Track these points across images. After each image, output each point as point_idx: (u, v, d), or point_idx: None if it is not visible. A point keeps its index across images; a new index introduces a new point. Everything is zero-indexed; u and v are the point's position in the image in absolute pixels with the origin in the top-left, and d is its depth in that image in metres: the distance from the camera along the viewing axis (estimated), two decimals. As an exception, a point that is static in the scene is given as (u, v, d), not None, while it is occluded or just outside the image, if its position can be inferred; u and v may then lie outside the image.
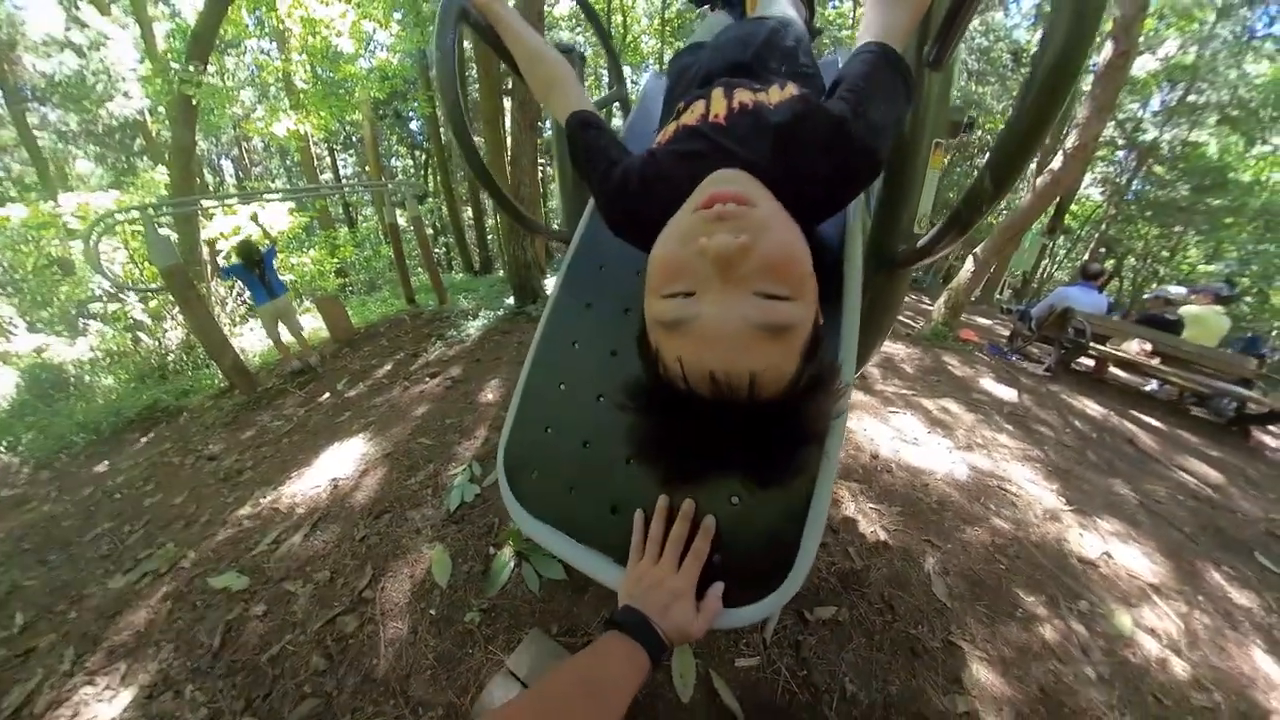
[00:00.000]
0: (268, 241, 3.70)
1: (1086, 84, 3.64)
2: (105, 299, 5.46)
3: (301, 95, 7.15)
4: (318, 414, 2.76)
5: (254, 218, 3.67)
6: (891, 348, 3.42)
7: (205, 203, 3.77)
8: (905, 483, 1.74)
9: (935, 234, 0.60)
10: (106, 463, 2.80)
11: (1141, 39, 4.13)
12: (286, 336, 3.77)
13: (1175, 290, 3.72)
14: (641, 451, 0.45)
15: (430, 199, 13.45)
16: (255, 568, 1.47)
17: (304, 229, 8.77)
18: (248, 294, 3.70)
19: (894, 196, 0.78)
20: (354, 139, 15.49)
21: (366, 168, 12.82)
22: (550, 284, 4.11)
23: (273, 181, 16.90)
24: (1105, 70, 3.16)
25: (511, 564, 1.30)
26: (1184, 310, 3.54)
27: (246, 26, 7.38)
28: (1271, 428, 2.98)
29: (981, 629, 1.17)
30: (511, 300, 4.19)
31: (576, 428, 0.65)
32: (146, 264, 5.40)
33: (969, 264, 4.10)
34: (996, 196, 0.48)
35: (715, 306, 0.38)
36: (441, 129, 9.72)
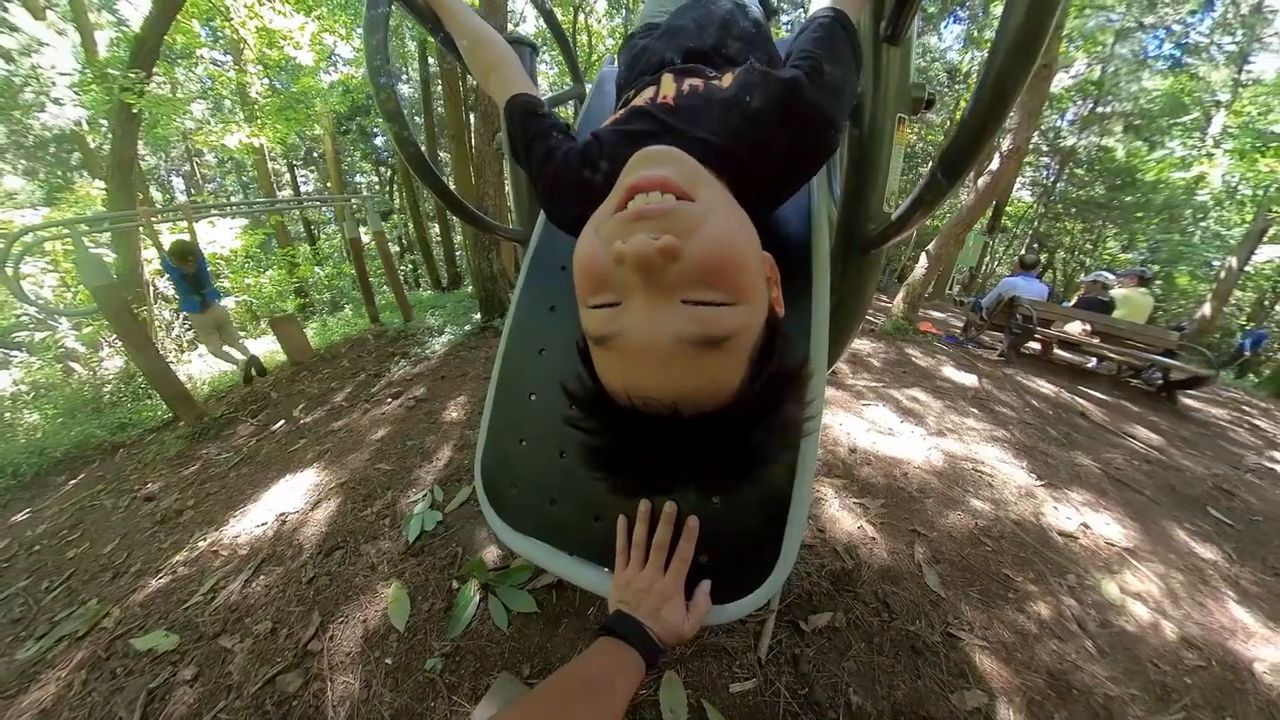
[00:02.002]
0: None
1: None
2: (33, 327, 4.89)
3: (256, 108, 6.80)
4: (270, 443, 2.53)
5: (191, 231, 3.42)
6: (857, 343, 3.52)
7: (144, 217, 3.42)
8: (885, 473, 1.74)
9: (909, 205, 0.58)
10: (27, 510, 2.45)
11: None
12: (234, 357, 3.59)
13: (1110, 276, 4.09)
14: (589, 465, 0.40)
15: (395, 215, 13.04)
16: (187, 623, 1.29)
17: (260, 246, 8.25)
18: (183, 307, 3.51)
19: (861, 176, 0.77)
20: (315, 154, 14.90)
21: (328, 184, 12.30)
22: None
23: (227, 198, 15.93)
24: (1032, 80, 3.47)
25: (477, 599, 1.18)
26: (1114, 293, 3.91)
27: (199, 36, 6.97)
28: (1193, 391, 3.28)
29: (979, 616, 1.15)
30: (478, 315, 4.05)
31: (551, 438, 0.63)
32: (80, 286, 4.91)
33: (922, 261, 4.35)
34: (974, 154, 0.45)
35: (640, 320, 0.34)
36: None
